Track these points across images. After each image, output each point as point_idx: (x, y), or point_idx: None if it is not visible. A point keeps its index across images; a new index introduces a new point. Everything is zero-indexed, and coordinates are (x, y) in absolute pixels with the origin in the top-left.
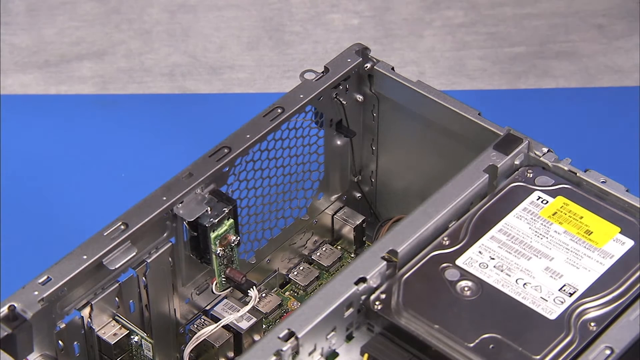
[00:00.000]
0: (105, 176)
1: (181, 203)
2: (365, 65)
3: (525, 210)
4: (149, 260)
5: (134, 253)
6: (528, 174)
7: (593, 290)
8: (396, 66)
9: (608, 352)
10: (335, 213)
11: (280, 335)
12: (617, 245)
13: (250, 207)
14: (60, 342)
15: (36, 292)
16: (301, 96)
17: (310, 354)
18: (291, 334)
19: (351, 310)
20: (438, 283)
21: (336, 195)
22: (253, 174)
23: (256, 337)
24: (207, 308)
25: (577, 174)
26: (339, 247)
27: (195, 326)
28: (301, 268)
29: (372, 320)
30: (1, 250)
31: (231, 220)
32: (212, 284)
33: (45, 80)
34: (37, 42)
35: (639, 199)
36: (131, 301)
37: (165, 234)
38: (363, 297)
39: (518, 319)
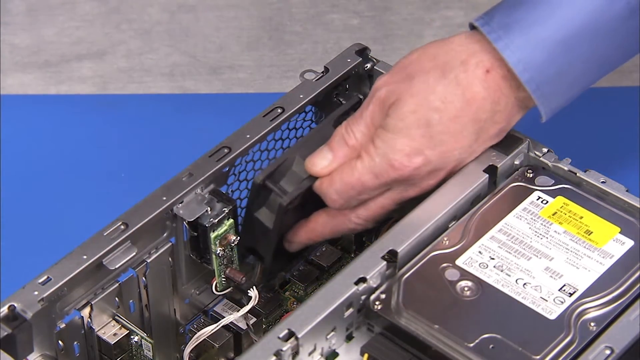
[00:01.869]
0: (105, 176)
1: (181, 203)
2: (365, 65)
3: (525, 210)
4: (149, 260)
5: (134, 253)
6: (528, 174)
7: (593, 290)
8: None
9: (608, 352)
10: None
11: (280, 335)
12: (617, 245)
13: None
14: (60, 342)
15: (36, 292)
16: (301, 96)
17: (310, 354)
18: (291, 334)
19: (351, 310)
20: (438, 283)
21: None
22: (253, 174)
23: (256, 337)
24: (207, 308)
25: (577, 174)
26: (339, 247)
27: (195, 326)
28: (301, 268)
29: (372, 320)
30: (1, 250)
31: (231, 220)
32: (212, 284)
33: (45, 80)
34: (37, 42)
35: (639, 199)
36: (131, 301)
37: (165, 234)
38: (363, 297)
39: (518, 319)
